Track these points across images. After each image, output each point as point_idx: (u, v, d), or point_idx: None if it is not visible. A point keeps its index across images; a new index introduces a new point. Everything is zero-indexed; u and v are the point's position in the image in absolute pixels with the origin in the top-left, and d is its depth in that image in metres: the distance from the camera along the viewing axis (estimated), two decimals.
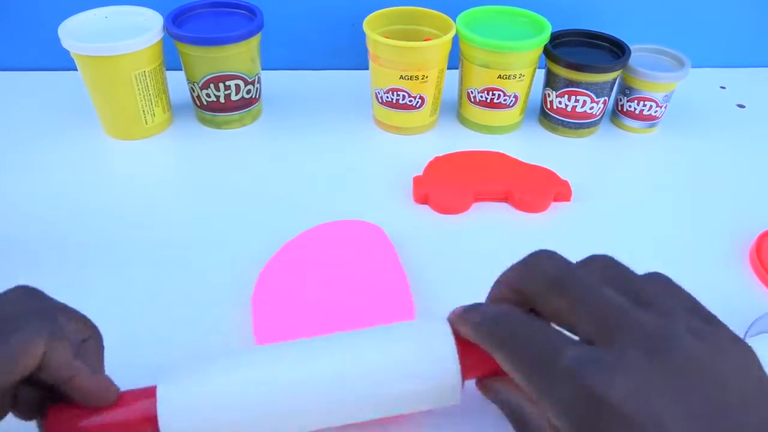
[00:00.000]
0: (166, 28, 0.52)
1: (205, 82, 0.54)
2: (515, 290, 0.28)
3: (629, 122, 0.58)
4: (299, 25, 0.65)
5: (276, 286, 0.38)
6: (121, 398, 0.28)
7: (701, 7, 0.66)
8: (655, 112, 0.57)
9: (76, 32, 0.50)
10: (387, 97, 0.55)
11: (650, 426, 0.21)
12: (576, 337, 0.25)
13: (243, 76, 0.54)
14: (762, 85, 0.67)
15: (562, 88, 0.55)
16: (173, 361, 0.30)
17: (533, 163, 0.51)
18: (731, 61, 0.70)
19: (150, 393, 0.28)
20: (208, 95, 0.55)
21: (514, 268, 0.28)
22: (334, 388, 0.28)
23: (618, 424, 0.21)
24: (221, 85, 0.54)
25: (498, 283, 0.29)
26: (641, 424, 0.21)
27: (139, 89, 0.52)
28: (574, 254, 0.44)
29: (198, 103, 0.56)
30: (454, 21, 0.54)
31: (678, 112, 0.60)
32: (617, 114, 0.59)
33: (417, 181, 0.49)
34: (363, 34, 0.53)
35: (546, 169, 0.51)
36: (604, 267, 0.27)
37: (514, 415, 0.27)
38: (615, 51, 0.56)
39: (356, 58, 0.64)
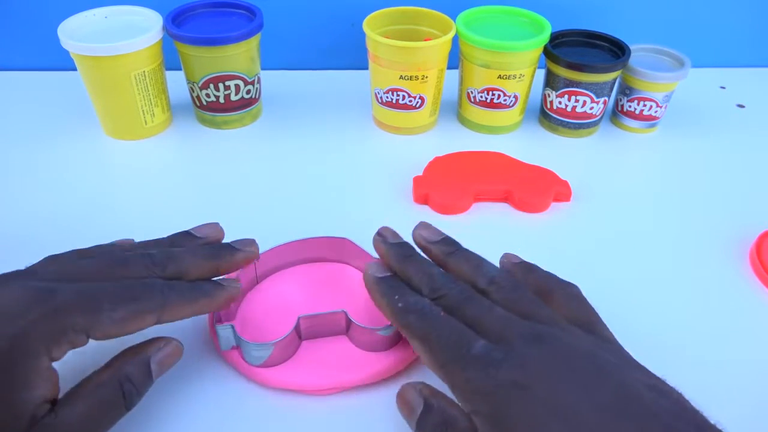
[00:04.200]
0: (165, 28, 0.52)
1: (205, 82, 0.54)
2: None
3: (629, 122, 0.58)
4: (299, 25, 0.65)
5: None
6: None
7: (701, 7, 0.66)
8: (655, 112, 0.57)
9: (75, 32, 0.50)
10: (387, 97, 0.55)
11: (554, 407, 0.25)
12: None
13: (243, 76, 0.54)
14: (762, 85, 0.67)
15: (562, 88, 0.55)
16: None
17: (533, 163, 0.51)
18: (731, 61, 0.70)
19: None
20: (207, 95, 0.55)
21: (436, 274, 0.32)
22: None
23: (526, 404, 0.25)
24: (221, 85, 0.54)
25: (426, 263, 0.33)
26: (546, 400, 0.25)
27: (138, 89, 0.52)
28: (574, 254, 0.44)
29: (198, 103, 0.56)
30: (454, 21, 0.54)
31: (678, 112, 0.60)
32: (617, 114, 0.59)
33: (417, 181, 0.49)
34: (363, 34, 0.53)
35: (546, 170, 0.51)
36: (505, 289, 0.31)
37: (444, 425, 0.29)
38: (615, 51, 0.56)
39: (356, 58, 0.64)
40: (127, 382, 0.28)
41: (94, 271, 0.30)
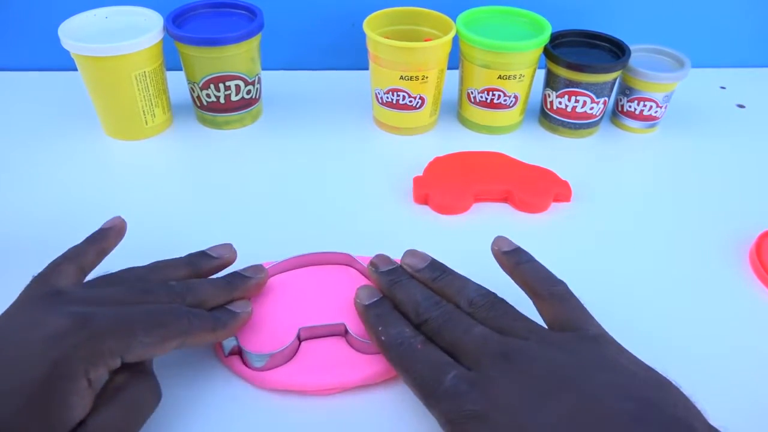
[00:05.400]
0: (166, 28, 0.52)
1: (206, 82, 0.54)
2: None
3: (629, 122, 0.58)
4: (299, 25, 0.65)
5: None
6: None
7: (701, 7, 0.66)
8: (655, 112, 0.57)
9: (76, 32, 0.50)
10: (387, 98, 0.55)
11: (513, 427, 0.27)
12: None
13: (243, 76, 0.54)
14: (762, 85, 0.67)
15: (562, 88, 0.55)
16: (170, 359, 0.30)
17: (533, 164, 0.52)
18: (731, 61, 0.70)
19: None
20: (208, 95, 0.55)
21: (421, 300, 0.35)
22: None
23: (481, 429, 0.27)
24: (221, 86, 0.54)
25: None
26: (504, 425, 0.27)
27: (139, 90, 0.52)
28: (575, 254, 0.45)
29: (198, 104, 0.56)
30: (454, 21, 0.54)
31: (678, 112, 0.60)
32: (617, 114, 0.59)
33: (417, 181, 0.49)
34: (363, 34, 0.53)
35: (546, 170, 0.51)
36: (484, 307, 0.34)
37: None
38: (615, 51, 0.56)
39: (356, 58, 0.64)
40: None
41: (123, 298, 0.31)
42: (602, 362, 0.29)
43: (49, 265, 0.34)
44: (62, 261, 0.34)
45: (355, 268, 0.40)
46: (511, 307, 0.34)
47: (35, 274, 0.33)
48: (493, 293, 0.35)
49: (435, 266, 0.37)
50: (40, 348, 0.27)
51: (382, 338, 0.33)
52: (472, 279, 0.36)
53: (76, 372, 0.27)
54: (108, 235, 0.37)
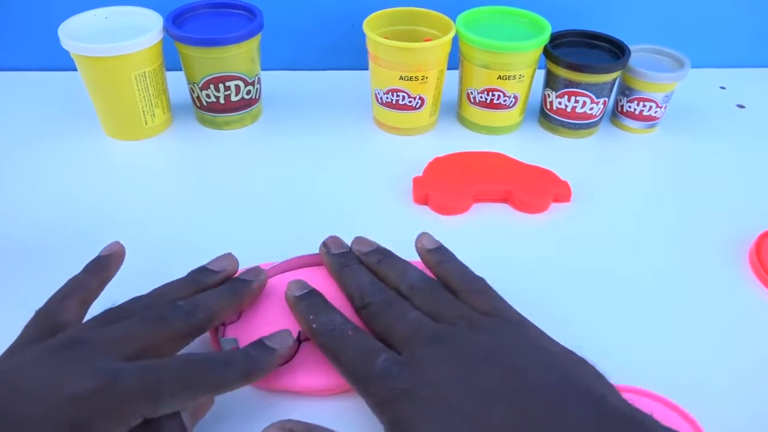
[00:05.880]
0: (166, 28, 0.52)
1: (205, 82, 0.54)
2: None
3: (629, 123, 0.58)
4: (299, 26, 0.65)
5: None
6: None
7: (701, 7, 0.66)
8: (655, 112, 0.57)
9: (76, 32, 0.50)
10: (387, 98, 0.55)
11: (439, 404, 0.28)
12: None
13: (243, 76, 0.54)
14: (762, 85, 0.67)
15: (562, 88, 0.55)
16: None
17: (533, 164, 0.52)
18: (731, 61, 0.70)
19: None
20: (208, 96, 0.55)
21: (366, 283, 0.36)
22: None
23: (414, 407, 0.28)
24: (221, 86, 0.54)
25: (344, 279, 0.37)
26: (433, 402, 0.28)
27: (139, 90, 0.52)
28: (574, 255, 0.45)
29: (198, 104, 0.56)
30: (454, 21, 0.54)
31: (678, 112, 0.60)
32: (617, 114, 0.59)
33: (417, 181, 0.49)
34: (363, 34, 0.53)
35: (546, 170, 0.51)
36: (422, 291, 0.35)
37: None
38: (615, 51, 0.56)
39: (356, 58, 0.64)
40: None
41: (141, 333, 0.30)
42: (525, 342, 0.31)
43: (52, 299, 0.33)
44: (65, 296, 0.33)
45: None
46: (448, 293, 0.35)
47: (38, 309, 0.32)
48: (433, 279, 0.36)
49: (380, 251, 0.39)
50: (63, 409, 0.25)
51: (314, 326, 0.34)
52: None
53: None
54: (108, 263, 0.36)
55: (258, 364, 0.32)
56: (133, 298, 0.34)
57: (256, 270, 0.37)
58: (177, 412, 0.29)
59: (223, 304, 0.35)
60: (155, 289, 0.35)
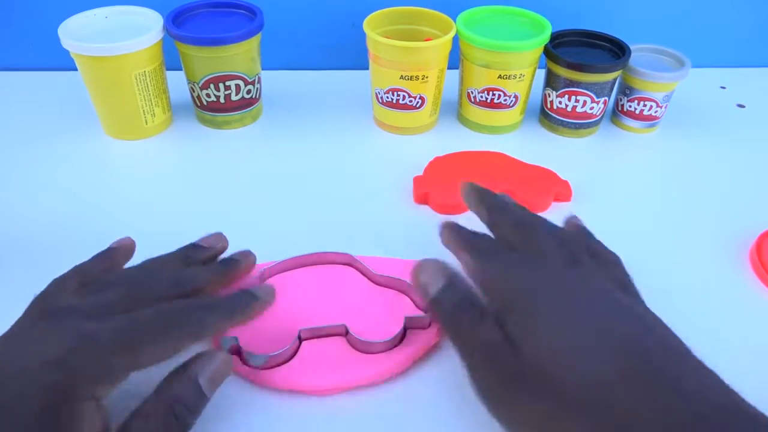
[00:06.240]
0: (166, 28, 0.52)
1: (205, 82, 0.54)
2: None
3: (629, 122, 0.58)
4: (299, 25, 0.65)
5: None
6: None
7: (701, 7, 0.66)
8: (655, 112, 0.57)
9: (76, 32, 0.50)
10: (387, 97, 0.55)
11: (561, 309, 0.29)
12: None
13: (243, 76, 0.54)
14: (762, 85, 0.67)
15: (563, 88, 0.55)
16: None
17: (533, 163, 0.51)
18: (731, 61, 0.70)
19: None
20: (208, 95, 0.55)
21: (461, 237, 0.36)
22: None
23: (542, 297, 0.29)
24: (221, 86, 0.54)
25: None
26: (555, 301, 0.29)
27: (139, 89, 0.52)
28: None
29: (198, 103, 0.56)
30: (454, 21, 0.54)
31: (678, 112, 0.60)
32: (617, 114, 0.59)
33: (417, 181, 0.49)
34: (363, 34, 0.53)
35: (546, 169, 0.51)
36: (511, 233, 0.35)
37: None
38: (615, 51, 0.56)
39: (356, 58, 0.64)
40: (177, 403, 0.28)
41: (122, 302, 0.30)
42: (650, 316, 0.31)
43: (52, 282, 0.33)
44: (64, 279, 0.33)
45: (355, 268, 0.40)
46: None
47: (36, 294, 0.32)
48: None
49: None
50: (40, 375, 0.26)
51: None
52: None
53: (82, 393, 0.26)
54: (114, 255, 0.36)
55: (240, 307, 0.32)
56: (120, 269, 0.34)
57: (245, 252, 0.38)
58: (193, 378, 0.29)
59: (209, 278, 0.35)
60: (144, 261, 0.35)
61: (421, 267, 0.33)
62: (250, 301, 0.33)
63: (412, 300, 0.38)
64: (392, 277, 0.38)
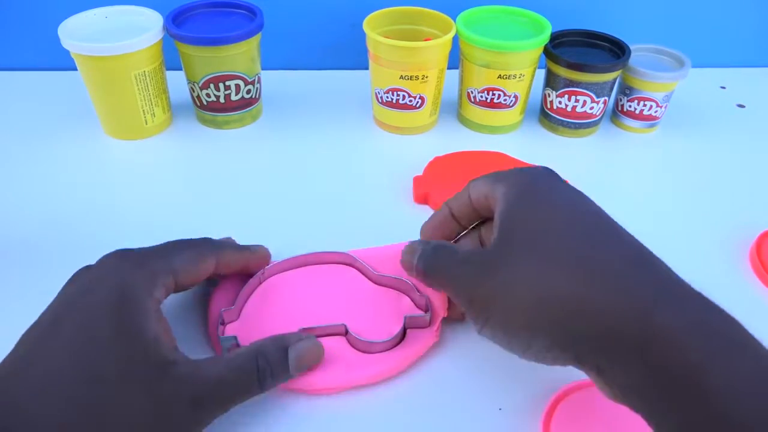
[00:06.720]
0: (166, 28, 0.52)
1: (205, 82, 0.54)
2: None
3: (629, 122, 0.58)
4: (299, 25, 0.65)
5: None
6: None
7: (701, 7, 0.66)
8: (655, 112, 0.57)
9: (76, 32, 0.50)
10: (387, 97, 0.55)
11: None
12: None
13: (243, 76, 0.54)
14: (762, 85, 0.67)
15: (562, 88, 0.55)
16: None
17: (533, 163, 0.51)
18: (731, 61, 0.70)
19: None
20: (208, 95, 0.55)
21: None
22: None
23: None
24: (221, 85, 0.54)
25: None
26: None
27: (139, 89, 0.52)
28: None
29: (198, 103, 0.56)
30: (454, 21, 0.54)
31: (678, 112, 0.60)
32: (617, 114, 0.59)
33: (417, 181, 0.49)
34: (363, 34, 0.53)
35: None
36: None
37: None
38: (615, 51, 0.56)
39: (356, 58, 0.64)
40: (261, 356, 0.31)
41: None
42: None
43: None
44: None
45: (356, 268, 0.40)
46: None
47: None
48: None
49: None
50: (101, 289, 0.30)
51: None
52: None
53: (140, 291, 0.30)
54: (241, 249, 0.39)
55: (249, 247, 0.38)
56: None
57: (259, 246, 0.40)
58: (283, 345, 0.32)
59: (231, 252, 0.37)
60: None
61: (404, 249, 0.35)
62: (259, 248, 0.39)
63: (412, 300, 0.38)
64: (392, 277, 0.38)
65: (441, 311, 0.37)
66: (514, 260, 0.29)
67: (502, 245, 0.30)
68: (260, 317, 0.37)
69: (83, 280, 0.32)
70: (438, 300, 0.37)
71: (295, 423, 0.33)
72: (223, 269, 0.36)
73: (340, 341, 0.36)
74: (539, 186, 0.32)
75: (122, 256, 0.32)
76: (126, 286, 0.30)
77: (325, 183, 0.51)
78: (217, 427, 0.32)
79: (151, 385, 0.28)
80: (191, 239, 0.36)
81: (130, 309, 0.29)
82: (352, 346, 0.35)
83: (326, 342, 0.35)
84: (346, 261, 0.40)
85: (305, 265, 0.40)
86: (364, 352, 0.35)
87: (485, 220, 0.36)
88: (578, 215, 0.31)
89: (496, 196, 0.32)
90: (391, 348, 0.35)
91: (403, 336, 0.36)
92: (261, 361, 0.31)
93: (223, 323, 0.36)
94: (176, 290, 0.33)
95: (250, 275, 0.38)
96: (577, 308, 0.27)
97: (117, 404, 0.27)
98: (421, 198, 0.49)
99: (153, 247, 0.34)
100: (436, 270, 0.33)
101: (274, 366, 0.31)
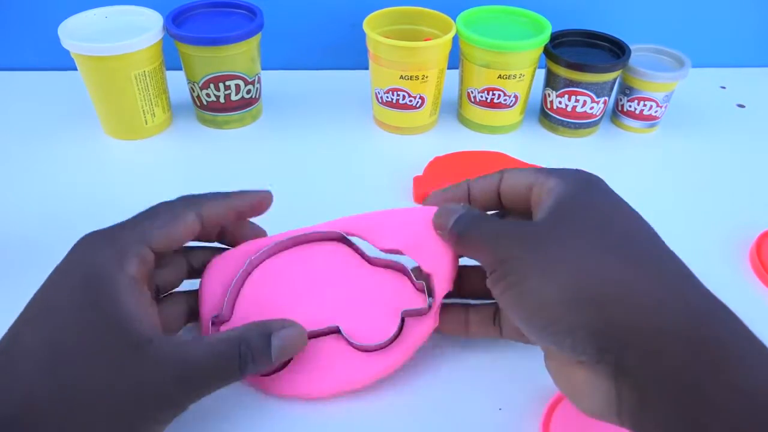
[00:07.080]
0: (166, 28, 0.52)
1: (205, 82, 0.54)
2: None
3: (629, 122, 0.58)
4: (299, 25, 0.65)
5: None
6: None
7: (701, 7, 0.66)
8: (655, 112, 0.57)
9: (76, 32, 0.50)
10: (387, 97, 0.55)
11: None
12: None
13: (243, 76, 0.54)
14: (762, 85, 0.67)
15: (563, 88, 0.55)
16: None
17: (533, 163, 0.51)
18: (731, 61, 0.70)
19: None
20: (208, 95, 0.55)
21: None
22: None
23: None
24: (221, 85, 0.54)
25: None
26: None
27: (139, 89, 0.52)
28: None
29: (198, 103, 0.56)
30: (454, 21, 0.54)
31: (678, 112, 0.60)
32: (617, 114, 0.59)
33: (417, 181, 0.49)
34: (363, 34, 0.53)
35: None
36: None
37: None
38: (615, 51, 0.56)
39: (356, 58, 0.64)
40: (244, 342, 0.30)
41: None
42: None
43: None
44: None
45: (347, 245, 0.38)
46: None
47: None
48: None
49: None
50: (71, 267, 0.30)
51: None
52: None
53: (112, 267, 0.29)
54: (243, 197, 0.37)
55: (236, 191, 0.36)
56: None
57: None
58: (266, 332, 0.31)
59: (216, 200, 0.35)
60: None
61: (438, 211, 0.35)
62: (248, 191, 0.37)
63: (410, 280, 0.36)
64: (390, 259, 0.36)
65: (444, 286, 0.35)
66: (567, 238, 0.29)
67: (556, 222, 0.30)
68: (251, 315, 0.35)
69: (55, 268, 0.31)
70: (441, 272, 0.35)
71: (294, 422, 0.33)
72: (212, 223, 0.34)
73: (334, 341, 0.35)
74: (602, 186, 0.33)
75: (90, 236, 0.32)
76: (93, 265, 0.29)
77: (324, 183, 0.51)
78: (214, 426, 0.33)
79: (123, 364, 0.27)
80: (167, 201, 0.34)
81: (97, 287, 0.29)
82: (348, 343, 0.35)
83: (321, 343, 0.35)
84: (338, 238, 0.38)
85: (294, 245, 0.38)
86: (361, 350, 0.35)
87: (499, 210, 0.36)
88: (639, 218, 0.32)
89: (549, 185, 0.32)
90: (385, 346, 0.35)
91: (400, 329, 0.35)
92: (243, 348, 0.30)
93: (217, 323, 0.35)
94: (160, 258, 0.32)
95: (233, 276, 0.36)
96: (622, 293, 0.26)
97: (87, 384, 0.26)
98: (421, 198, 0.49)
99: (125, 220, 0.33)
100: (474, 234, 0.32)
101: (256, 353, 0.30)
